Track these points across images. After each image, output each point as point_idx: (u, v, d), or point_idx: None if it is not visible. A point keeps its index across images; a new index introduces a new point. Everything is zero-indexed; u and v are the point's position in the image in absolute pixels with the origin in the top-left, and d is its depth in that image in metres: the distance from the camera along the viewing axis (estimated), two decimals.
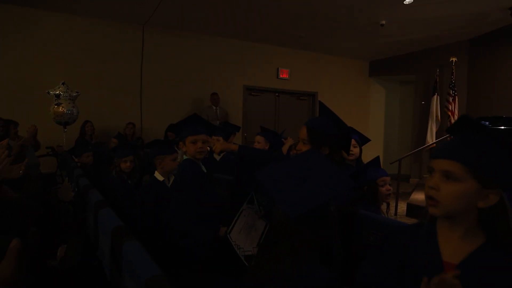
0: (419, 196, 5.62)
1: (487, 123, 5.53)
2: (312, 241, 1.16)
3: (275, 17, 6.27)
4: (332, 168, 1.23)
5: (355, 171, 2.49)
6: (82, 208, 2.76)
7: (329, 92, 8.84)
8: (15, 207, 2.62)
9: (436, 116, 7.21)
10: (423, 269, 1.02)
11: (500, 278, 0.93)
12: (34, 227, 2.46)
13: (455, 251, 1.01)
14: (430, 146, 6.85)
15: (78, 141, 5.83)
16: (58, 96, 5.35)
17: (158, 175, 2.77)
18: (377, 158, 2.55)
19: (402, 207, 5.74)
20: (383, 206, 2.41)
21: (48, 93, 5.37)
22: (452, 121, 6.84)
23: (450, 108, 6.92)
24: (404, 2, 5.44)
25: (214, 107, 7.02)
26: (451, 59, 6.98)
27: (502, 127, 5.27)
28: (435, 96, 7.24)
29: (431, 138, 7.10)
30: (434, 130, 7.19)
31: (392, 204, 5.69)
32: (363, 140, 3.03)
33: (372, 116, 9.61)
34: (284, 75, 8.31)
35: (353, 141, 2.93)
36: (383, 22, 6.31)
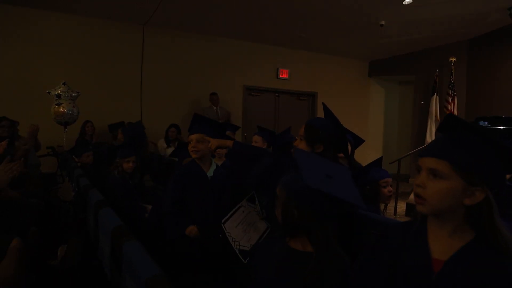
0: None
1: (486, 123, 5.54)
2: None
3: (275, 17, 6.28)
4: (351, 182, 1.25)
5: (357, 171, 2.50)
6: (82, 208, 2.77)
7: (329, 92, 8.85)
8: (16, 206, 2.63)
9: (436, 116, 7.21)
10: (413, 266, 1.04)
11: (487, 273, 0.95)
12: (34, 227, 2.47)
13: (444, 248, 1.02)
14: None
15: (78, 141, 5.83)
16: (58, 96, 5.35)
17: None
18: (380, 158, 2.56)
19: (402, 206, 5.75)
20: (381, 206, 2.42)
21: (49, 93, 5.37)
22: None
23: (450, 108, 6.92)
24: (404, 3, 5.45)
25: (215, 107, 7.02)
26: (451, 59, 6.97)
27: (501, 127, 5.28)
28: (435, 96, 7.24)
29: (430, 138, 7.09)
30: (434, 130, 7.19)
31: (392, 204, 5.70)
32: (357, 140, 3.03)
33: (372, 116, 9.62)
34: (284, 75, 8.31)
35: None
36: (383, 22, 6.31)
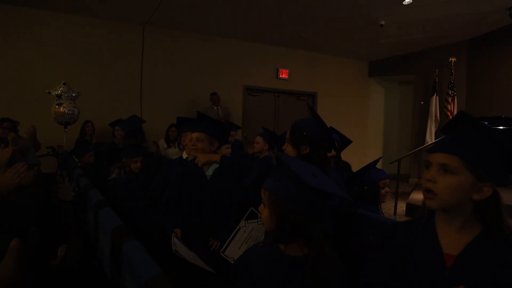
0: (418, 196, 5.62)
1: (486, 123, 5.54)
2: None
3: (275, 17, 6.28)
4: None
5: (358, 171, 2.50)
6: (82, 208, 2.77)
7: (329, 92, 8.86)
8: (15, 207, 2.63)
9: (435, 116, 7.21)
10: (425, 262, 1.05)
11: (497, 265, 0.98)
12: (34, 227, 2.47)
13: (453, 243, 1.05)
14: (429, 146, 6.86)
15: (78, 141, 5.83)
16: (59, 96, 5.36)
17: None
18: (378, 159, 2.57)
19: (402, 206, 5.75)
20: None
21: (49, 93, 5.38)
22: None
23: (449, 108, 6.93)
24: (404, 3, 5.45)
25: (215, 107, 7.02)
26: (451, 59, 6.98)
27: (501, 127, 5.28)
28: (435, 96, 7.24)
29: (430, 138, 7.10)
30: (434, 130, 7.20)
31: (392, 204, 5.71)
32: (344, 140, 3.03)
33: (372, 116, 9.62)
34: (283, 75, 8.31)
35: None
36: (383, 22, 6.31)
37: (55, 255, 2.86)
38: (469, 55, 7.34)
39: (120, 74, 6.71)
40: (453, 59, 6.96)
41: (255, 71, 7.99)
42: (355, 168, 3.14)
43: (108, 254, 1.64)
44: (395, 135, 9.76)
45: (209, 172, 2.31)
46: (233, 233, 1.97)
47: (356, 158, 3.08)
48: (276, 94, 8.42)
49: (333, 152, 2.96)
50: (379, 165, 2.67)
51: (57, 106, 5.37)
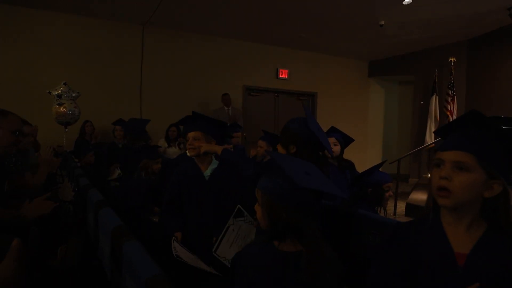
0: (418, 196, 5.63)
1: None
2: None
3: (274, 17, 6.28)
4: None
5: (363, 172, 2.50)
6: (82, 208, 2.77)
7: (329, 92, 8.86)
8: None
9: (435, 116, 7.21)
10: (436, 263, 1.05)
11: (507, 260, 0.99)
12: (34, 227, 2.47)
13: (462, 241, 1.05)
14: (429, 146, 6.86)
15: (78, 141, 5.84)
16: (59, 96, 5.36)
17: None
18: (383, 162, 2.58)
19: (401, 207, 5.75)
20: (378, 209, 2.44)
21: (49, 93, 5.38)
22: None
23: (449, 108, 6.93)
24: (403, 3, 5.45)
25: (226, 108, 7.01)
26: (450, 59, 6.98)
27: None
28: (434, 96, 7.24)
29: (430, 138, 7.10)
30: (433, 130, 7.19)
31: (392, 204, 5.71)
32: (346, 139, 3.07)
33: (371, 116, 9.62)
34: (283, 75, 8.31)
35: (333, 140, 2.97)
36: (382, 22, 6.31)
37: (55, 255, 2.86)
38: (469, 55, 7.34)
39: (120, 74, 6.71)
40: (453, 59, 6.96)
41: (255, 71, 7.99)
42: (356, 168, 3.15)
43: (108, 254, 1.64)
44: (395, 135, 9.76)
45: (207, 172, 2.30)
46: (223, 232, 1.97)
47: (355, 158, 3.09)
48: (276, 94, 8.42)
49: (338, 152, 2.99)
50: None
51: (57, 106, 5.36)
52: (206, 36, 7.37)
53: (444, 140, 1.12)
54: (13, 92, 5.79)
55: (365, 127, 9.41)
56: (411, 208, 5.46)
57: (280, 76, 8.28)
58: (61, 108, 5.36)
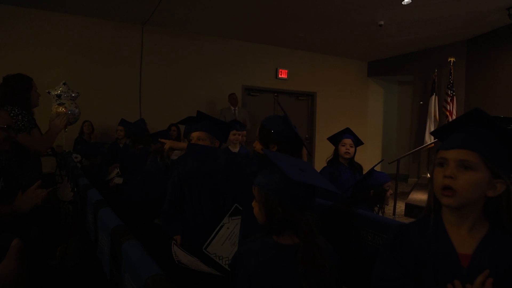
0: (417, 196, 5.63)
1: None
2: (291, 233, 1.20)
3: (274, 17, 6.28)
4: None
5: (363, 176, 2.51)
6: (81, 208, 2.77)
7: (328, 92, 8.86)
8: None
9: (434, 116, 7.23)
10: (440, 264, 1.04)
11: (510, 261, 0.99)
12: (34, 227, 2.46)
13: (465, 242, 1.04)
14: (429, 146, 6.87)
15: (77, 140, 5.85)
16: (59, 96, 5.35)
17: None
18: (380, 162, 2.59)
19: (401, 207, 5.76)
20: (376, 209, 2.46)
21: (49, 93, 5.36)
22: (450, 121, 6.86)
23: (448, 108, 6.94)
24: (403, 3, 5.45)
25: (233, 108, 7.02)
26: (450, 59, 6.99)
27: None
28: (433, 96, 7.26)
29: (429, 138, 7.11)
30: (433, 130, 7.20)
31: (391, 204, 5.71)
32: (357, 142, 3.10)
33: (371, 116, 9.63)
34: (283, 75, 8.31)
35: (350, 141, 3.03)
36: (382, 22, 6.32)
37: (54, 255, 2.86)
38: (468, 55, 7.35)
39: (119, 74, 6.71)
40: (452, 59, 6.97)
41: (254, 71, 7.99)
42: None
43: (108, 254, 1.64)
44: (394, 135, 9.77)
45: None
46: (216, 230, 1.98)
47: (355, 157, 3.10)
48: (275, 94, 8.42)
49: (353, 153, 3.03)
50: (378, 166, 2.68)
51: (57, 106, 5.35)
52: (206, 36, 7.37)
53: (446, 139, 1.11)
54: None
55: (365, 127, 9.41)
56: (411, 208, 5.46)
57: (280, 76, 8.28)
58: (61, 108, 5.35)
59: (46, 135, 2.91)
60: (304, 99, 8.82)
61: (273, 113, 8.38)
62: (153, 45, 6.97)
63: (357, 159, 3.16)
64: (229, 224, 2.01)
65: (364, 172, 2.61)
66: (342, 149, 3.02)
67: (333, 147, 3.17)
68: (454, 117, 6.88)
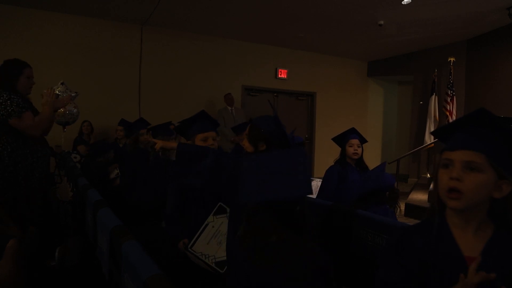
0: (417, 196, 5.63)
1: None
2: (285, 231, 1.18)
3: (273, 17, 6.27)
4: (304, 171, 1.23)
5: (374, 178, 2.51)
6: (81, 208, 2.76)
7: (328, 92, 8.85)
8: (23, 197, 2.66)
9: (434, 116, 7.23)
10: (445, 267, 1.03)
11: None
12: (32, 226, 2.46)
13: (471, 244, 1.02)
14: (428, 146, 6.87)
15: (77, 140, 5.84)
16: (57, 96, 5.33)
17: None
18: (385, 164, 2.63)
19: (401, 207, 5.74)
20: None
21: None
22: (450, 121, 6.86)
23: (448, 108, 6.94)
24: (403, 2, 5.45)
25: (229, 108, 7.01)
26: (450, 59, 6.99)
27: None
28: (433, 96, 7.26)
29: (429, 138, 7.11)
30: (432, 130, 7.20)
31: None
32: (362, 141, 3.10)
33: (371, 116, 9.62)
34: (282, 75, 8.30)
35: (357, 141, 3.04)
36: (382, 22, 6.31)
37: (53, 255, 2.85)
38: (468, 55, 7.34)
39: (119, 74, 6.70)
40: (452, 59, 6.97)
41: (253, 71, 7.98)
42: None
43: (107, 254, 1.63)
44: (394, 135, 9.77)
45: None
46: (201, 229, 2.00)
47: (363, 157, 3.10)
48: (275, 94, 8.41)
49: (360, 154, 3.03)
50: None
51: None
52: (205, 36, 7.36)
53: (450, 139, 1.09)
54: None
55: (364, 127, 9.40)
56: (411, 209, 5.46)
57: (279, 76, 8.27)
58: (60, 108, 5.33)
59: (38, 117, 2.89)
60: (304, 99, 8.82)
61: (273, 113, 8.36)
62: (152, 45, 6.96)
63: None
64: (214, 222, 2.02)
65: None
66: (350, 150, 3.02)
67: (334, 147, 3.17)
68: (454, 117, 6.89)
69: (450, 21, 6.27)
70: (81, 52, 6.39)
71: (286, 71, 8.32)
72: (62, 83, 5.44)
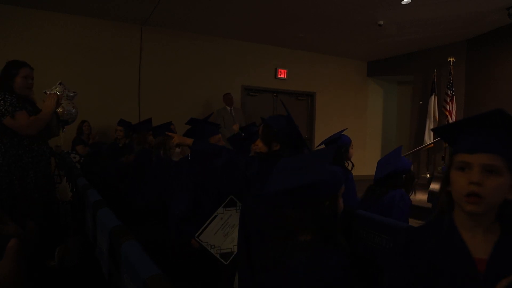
0: (417, 196, 5.59)
1: None
2: (313, 230, 1.23)
3: (273, 17, 6.27)
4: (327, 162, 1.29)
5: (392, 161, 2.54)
6: (80, 208, 2.76)
7: (327, 92, 8.85)
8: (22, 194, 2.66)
9: (434, 116, 7.22)
10: (455, 270, 1.01)
11: None
12: (31, 221, 2.45)
13: (480, 246, 1.01)
14: (428, 146, 6.86)
15: (75, 141, 5.84)
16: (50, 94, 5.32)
17: None
18: (401, 147, 2.64)
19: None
20: None
21: (45, 93, 5.35)
22: (450, 121, 6.86)
23: (448, 108, 6.93)
24: (402, 2, 5.45)
25: (229, 108, 7.00)
26: (449, 59, 6.98)
27: None
28: (433, 96, 7.25)
29: (429, 138, 7.11)
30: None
31: None
32: None
33: (370, 116, 9.62)
34: (282, 75, 8.30)
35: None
36: (381, 22, 6.31)
37: (53, 255, 2.85)
38: (468, 55, 7.34)
39: (118, 74, 6.70)
40: (452, 59, 6.96)
41: (253, 71, 7.98)
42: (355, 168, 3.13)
43: (107, 254, 1.63)
44: (393, 135, 9.76)
45: None
46: (210, 219, 2.05)
47: (354, 157, 3.08)
48: (275, 94, 8.41)
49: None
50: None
51: None
52: (205, 36, 7.36)
53: (461, 140, 1.05)
54: None
55: (364, 127, 9.41)
56: (411, 208, 5.44)
57: (279, 76, 8.27)
58: (59, 108, 5.33)
59: (34, 117, 2.90)
60: (303, 99, 8.82)
61: (273, 113, 8.37)
62: (152, 45, 6.96)
63: (356, 158, 3.14)
64: (223, 214, 2.07)
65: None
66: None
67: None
68: (453, 117, 6.88)
69: (450, 21, 6.27)
70: (81, 52, 6.38)
71: (285, 71, 8.32)
72: (60, 83, 5.44)
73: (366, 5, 5.62)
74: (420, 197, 5.53)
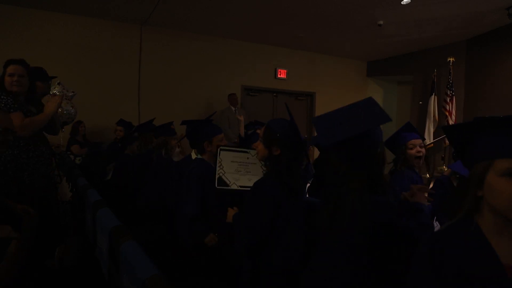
0: None
1: None
2: (362, 175, 1.36)
3: (273, 17, 6.27)
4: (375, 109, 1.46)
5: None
6: (80, 208, 2.76)
7: (327, 92, 8.85)
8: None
9: (434, 116, 7.22)
10: (483, 276, 0.97)
11: None
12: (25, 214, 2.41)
13: (508, 251, 0.98)
14: (428, 146, 6.86)
15: (70, 141, 5.85)
16: (54, 95, 5.32)
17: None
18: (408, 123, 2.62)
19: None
20: None
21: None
22: (450, 121, 6.86)
23: (448, 108, 6.93)
24: (402, 2, 5.44)
25: (233, 108, 7.00)
26: (449, 59, 6.98)
27: None
28: (433, 96, 7.25)
29: (428, 138, 7.11)
30: (432, 130, 7.20)
31: None
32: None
33: None
34: (282, 75, 8.30)
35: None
36: (381, 22, 6.30)
37: (53, 256, 2.85)
38: (467, 55, 7.34)
39: (118, 74, 6.70)
40: (451, 59, 6.97)
41: (253, 71, 7.98)
42: None
43: (107, 254, 1.63)
44: None
45: None
46: (240, 149, 2.19)
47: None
48: (274, 94, 8.41)
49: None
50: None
51: None
52: (204, 36, 7.36)
53: (504, 143, 0.99)
54: None
55: None
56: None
57: (279, 76, 8.27)
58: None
59: (30, 119, 2.88)
60: (303, 99, 8.82)
61: (272, 113, 8.38)
62: (152, 45, 6.96)
63: None
64: (252, 158, 2.15)
65: None
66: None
67: None
68: (453, 117, 6.88)
69: (449, 21, 6.26)
70: (81, 52, 6.38)
71: (285, 71, 8.32)
72: (59, 83, 5.43)
73: (366, 5, 5.62)
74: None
